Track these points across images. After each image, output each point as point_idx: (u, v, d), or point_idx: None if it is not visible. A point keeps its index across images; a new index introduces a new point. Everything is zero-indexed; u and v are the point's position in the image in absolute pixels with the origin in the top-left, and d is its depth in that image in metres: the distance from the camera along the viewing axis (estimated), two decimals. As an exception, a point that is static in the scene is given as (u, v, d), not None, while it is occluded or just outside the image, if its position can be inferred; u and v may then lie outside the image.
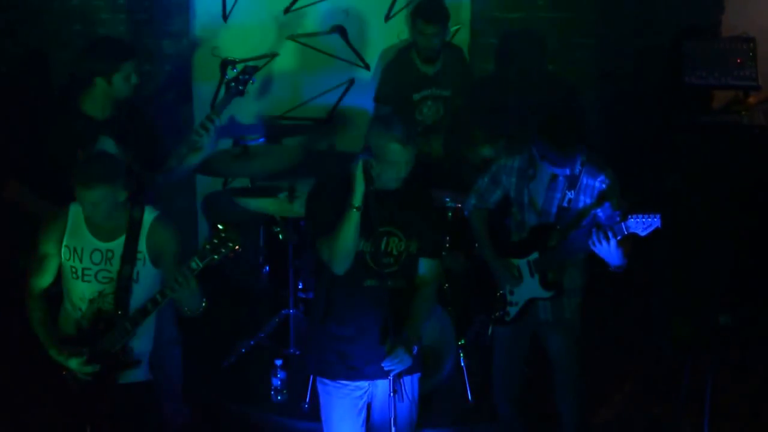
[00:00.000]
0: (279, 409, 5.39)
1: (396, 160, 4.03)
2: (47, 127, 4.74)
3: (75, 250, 4.14)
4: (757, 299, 5.70)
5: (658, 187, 5.92)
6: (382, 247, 4.13)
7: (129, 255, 4.12)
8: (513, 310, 4.73)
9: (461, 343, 5.40)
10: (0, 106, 5.94)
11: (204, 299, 4.14)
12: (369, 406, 4.33)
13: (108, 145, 4.67)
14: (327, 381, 4.24)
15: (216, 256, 3.94)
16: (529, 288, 4.67)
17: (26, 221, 4.55)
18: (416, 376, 4.32)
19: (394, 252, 4.17)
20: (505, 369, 4.90)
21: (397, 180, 4.08)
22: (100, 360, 4.13)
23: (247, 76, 4.91)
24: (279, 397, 5.42)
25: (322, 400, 4.32)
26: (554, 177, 4.54)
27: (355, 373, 4.20)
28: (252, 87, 5.30)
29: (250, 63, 5.71)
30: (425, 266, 4.22)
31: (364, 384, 4.24)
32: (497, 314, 4.76)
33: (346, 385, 4.22)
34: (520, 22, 6.32)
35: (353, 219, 4.00)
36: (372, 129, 4.09)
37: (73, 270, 4.15)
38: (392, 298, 4.11)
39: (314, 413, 5.16)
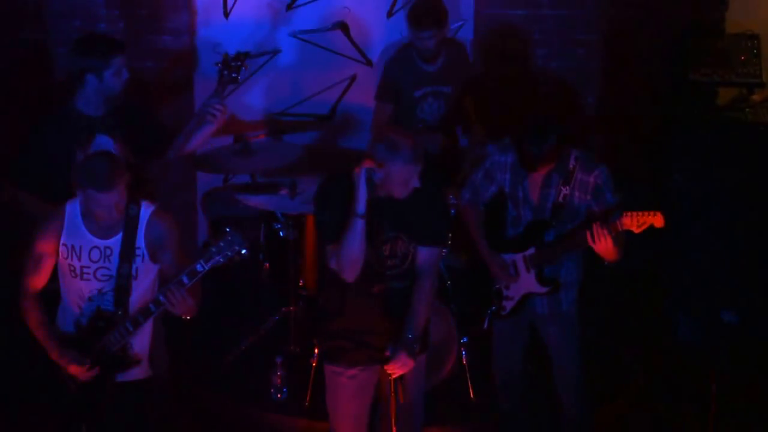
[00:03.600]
0: (279, 407, 5.37)
1: (405, 179, 4.03)
2: (43, 126, 4.72)
3: (73, 248, 4.11)
4: (762, 297, 5.68)
5: (662, 184, 5.90)
6: (387, 251, 4.16)
7: (127, 251, 4.09)
8: (509, 305, 4.74)
9: (463, 341, 5.37)
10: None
11: (194, 313, 4.11)
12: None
13: (105, 141, 4.65)
14: (339, 368, 4.25)
15: (222, 259, 3.92)
16: (526, 283, 4.68)
17: (23, 222, 4.52)
18: (422, 357, 4.37)
19: (399, 253, 4.19)
20: (503, 363, 4.92)
21: (407, 191, 4.08)
22: (98, 359, 4.11)
23: (239, 63, 4.89)
24: (279, 395, 5.39)
25: (330, 384, 4.33)
26: (548, 173, 4.54)
27: (370, 360, 4.24)
28: (254, 83, 5.31)
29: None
30: (423, 254, 4.22)
31: (376, 368, 4.27)
32: (493, 308, 4.76)
33: (360, 369, 4.24)
34: (523, 18, 6.29)
35: (357, 227, 4.01)
36: (378, 148, 4.05)
37: (72, 268, 4.12)
38: (400, 298, 4.16)
39: (315, 411, 5.18)
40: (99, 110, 4.72)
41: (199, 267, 3.94)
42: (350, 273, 4.08)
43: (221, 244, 3.93)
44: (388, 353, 4.18)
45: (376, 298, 4.17)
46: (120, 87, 4.69)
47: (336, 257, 4.08)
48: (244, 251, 3.93)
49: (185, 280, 3.95)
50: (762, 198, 5.74)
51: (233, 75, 4.89)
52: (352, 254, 4.04)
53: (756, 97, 6.07)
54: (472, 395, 5.36)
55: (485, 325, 4.90)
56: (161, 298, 4.02)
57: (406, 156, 3.99)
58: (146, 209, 4.15)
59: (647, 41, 6.31)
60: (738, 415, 5.17)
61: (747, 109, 6.01)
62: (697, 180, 5.88)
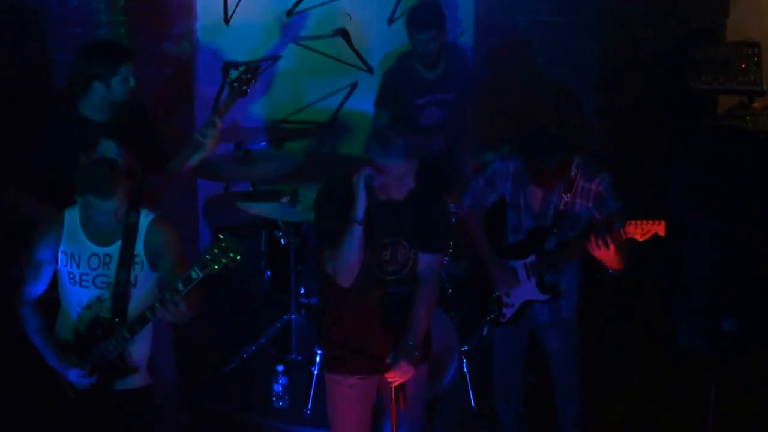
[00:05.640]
0: (280, 415, 5.37)
1: (400, 175, 4.02)
2: (47, 131, 4.72)
3: (72, 255, 4.11)
4: (762, 305, 5.68)
5: (662, 191, 5.90)
6: (388, 256, 4.16)
7: (126, 259, 4.09)
8: (509, 312, 4.74)
9: (464, 349, 5.38)
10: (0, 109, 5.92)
11: (188, 320, 4.12)
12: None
13: (109, 147, 4.65)
14: (339, 377, 4.26)
15: (216, 266, 3.92)
16: (526, 290, 4.68)
17: (26, 227, 4.52)
18: (424, 366, 4.36)
19: (399, 259, 4.18)
20: (503, 370, 4.92)
21: (404, 191, 4.07)
22: (97, 367, 4.12)
23: (249, 76, 4.88)
24: (281, 403, 5.40)
25: (330, 393, 4.33)
26: None
27: (369, 368, 4.23)
28: (255, 90, 5.24)
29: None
30: (424, 261, 4.22)
31: (376, 376, 4.26)
32: (493, 315, 4.76)
33: (360, 377, 4.25)
34: (524, 25, 6.29)
35: (355, 233, 4.01)
36: (371, 146, 4.06)
37: (71, 275, 4.13)
38: (400, 304, 4.15)
39: (316, 419, 5.19)
40: (103, 116, 4.72)
41: (194, 274, 3.94)
42: (346, 278, 4.08)
43: (215, 251, 3.92)
44: (388, 361, 4.17)
45: (376, 304, 4.17)
46: (125, 95, 4.69)
47: (332, 262, 4.08)
48: (238, 257, 3.92)
49: (180, 287, 3.96)
50: (762, 206, 5.74)
51: (243, 88, 4.88)
52: (348, 260, 4.04)
53: (756, 105, 6.08)
54: (473, 404, 5.36)
55: (484, 332, 4.91)
56: (157, 305, 4.02)
57: (398, 151, 3.98)
58: (146, 217, 4.15)
59: (647, 48, 6.31)
60: (738, 422, 5.17)
61: (747, 117, 6.01)
62: (697, 187, 5.88)
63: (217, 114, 4.82)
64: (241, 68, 4.85)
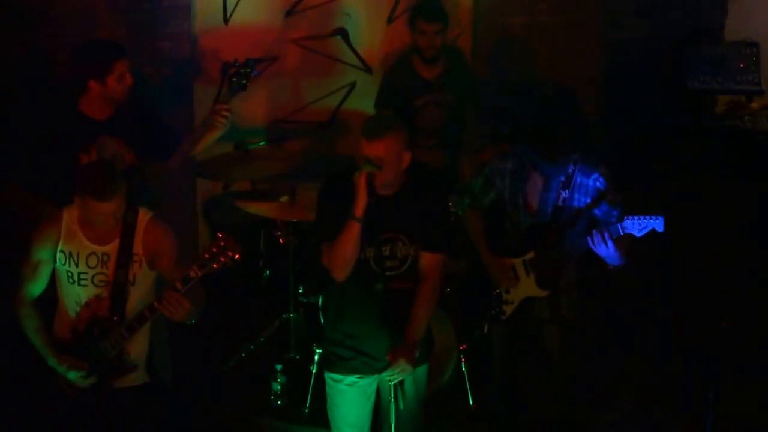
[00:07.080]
0: (279, 414, 5.37)
1: (392, 150, 4.00)
2: (48, 128, 4.72)
3: (71, 254, 4.12)
4: (761, 304, 5.69)
5: (661, 191, 5.90)
6: (387, 252, 4.16)
7: (124, 257, 4.11)
8: (509, 309, 4.75)
9: (462, 348, 5.37)
10: (1, 108, 5.92)
11: (195, 317, 4.12)
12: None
13: (110, 144, 4.66)
14: (338, 376, 4.26)
15: (215, 265, 3.93)
16: (525, 287, 4.69)
17: (26, 224, 4.52)
18: (423, 366, 4.36)
19: (399, 255, 4.18)
20: (503, 367, 4.94)
21: (385, 185, 4.05)
22: (95, 366, 4.12)
23: (248, 69, 4.88)
24: (279, 402, 5.39)
25: (330, 392, 4.33)
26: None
27: (368, 368, 4.24)
28: (254, 90, 5.31)
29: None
30: (425, 260, 4.22)
31: (375, 376, 4.26)
32: (493, 313, 4.76)
33: (358, 378, 4.25)
34: (523, 26, 6.29)
35: (353, 230, 4.01)
36: (362, 129, 4.08)
37: (70, 274, 4.13)
38: (399, 300, 4.14)
39: (314, 418, 5.18)
40: (103, 113, 4.73)
41: (192, 273, 3.96)
42: (340, 273, 4.10)
43: (214, 250, 3.95)
44: (389, 357, 4.16)
45: (375, 300, 4.16)
46: (123, 91, 4.70)
47: (328, 255, 4.10)
48: (236, 257, 3.94)
49: (179, 285, 3.98)
50: (761, 206, 5.75)
51: (243, 82, 4.88)
52: (344, 255, 4.05)
53: (755, 105, 6.08)
54: (471, 402, 5.37)
55: (485, 330, 4.91)
56: (155, 304, 4.04)
57: (363, 129, 3.99)
58: (144, 216, 4.17)
59: (647, 48, 6.31)
60: (738, 422, 5.17)
61: (746, 117, 6.02)
62: (695, 187, 5.89)
63: (222, 102, 4.83)
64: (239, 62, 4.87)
